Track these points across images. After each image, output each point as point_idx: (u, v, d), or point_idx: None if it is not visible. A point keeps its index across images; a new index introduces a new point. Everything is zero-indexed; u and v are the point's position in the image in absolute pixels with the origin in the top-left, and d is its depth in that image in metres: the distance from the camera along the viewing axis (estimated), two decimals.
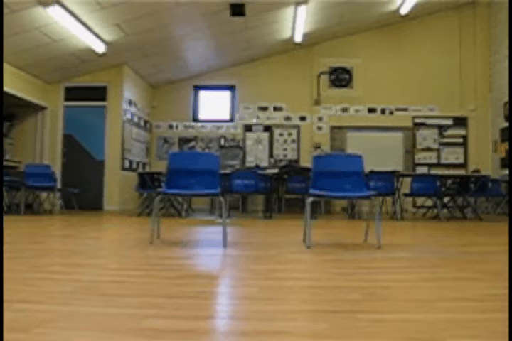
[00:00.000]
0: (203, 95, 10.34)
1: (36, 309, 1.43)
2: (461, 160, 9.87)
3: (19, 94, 7.80)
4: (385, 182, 6.82)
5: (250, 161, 10.00)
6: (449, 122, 9.88)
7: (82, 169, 8.67)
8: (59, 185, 8.21)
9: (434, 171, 9.53)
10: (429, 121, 9.89)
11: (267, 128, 10.06)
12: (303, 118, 10.01)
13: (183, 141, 10.21)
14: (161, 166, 9.72)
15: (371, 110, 9.92)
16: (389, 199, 7.34)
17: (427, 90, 9.80)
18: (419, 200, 9.22)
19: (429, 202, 8.05)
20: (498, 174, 8.97)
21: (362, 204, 7.80)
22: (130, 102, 9.11)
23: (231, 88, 10.18)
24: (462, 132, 9.89)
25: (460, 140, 9.90)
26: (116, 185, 8.65)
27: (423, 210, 8.20)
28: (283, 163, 9.74)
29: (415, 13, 9.52)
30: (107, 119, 8.75)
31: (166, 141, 10.28)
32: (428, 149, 9.91)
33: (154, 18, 6.94)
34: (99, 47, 7.43)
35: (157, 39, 7.82)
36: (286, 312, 1.46)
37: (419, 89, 9.82)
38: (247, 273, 2.20)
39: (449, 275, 2.16)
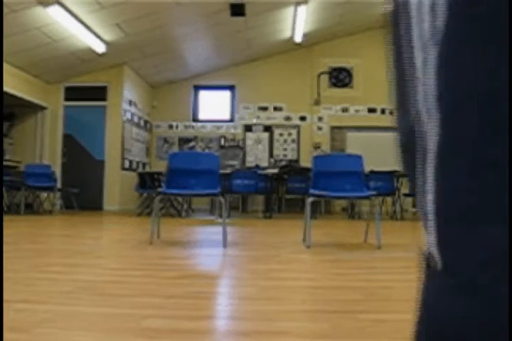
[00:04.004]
0: (203, 95, 10.34)
1: (36, 309, 1.43)
2: None
3: (19, 94, 7.80)
4: (385, 182, 6.83)
5: (250, 161, 10.00)
6: None
7: (82, 169, 8.66)
8: (59, 185, 8.21)
9: None
10: None
11: (267, 128, 10.06)
12: (303, 118, 10.00)
13: (183, 141, 10.21)
14: (161, 166, 9.72)
15: (371, 110, 9.92)
16: (389, 199, 7.34)
17: None
18: None
19: None
20: None
21: (362, 204, 7.80)
22: (130, 102, 9.11)
23: (231, 88, 10.18)
24: None
25: None
26: (116, 185, 8.65)
27: None
28: (283, 163, 9.74)
29: None
30: (107, 119, 8.74)
31: (166, 141, 10.28)
32: None
33: (154, 18, 6.94)
34: (99, 47, 7.43)
35: (157, 39, 7.82)
36: (286, 312, 1.46)
37: None
38: (247, 273, 2.20)
39: None
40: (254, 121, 10.08)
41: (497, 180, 0.42)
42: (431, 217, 0.47)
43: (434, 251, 0.46)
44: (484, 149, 0.42)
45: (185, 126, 10.22)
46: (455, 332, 0.43)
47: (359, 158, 3.57)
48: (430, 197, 0.47)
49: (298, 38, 8.88)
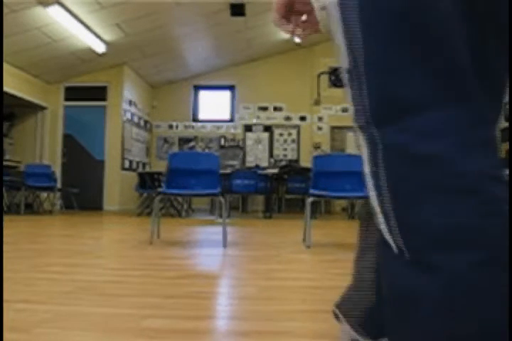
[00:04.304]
0: (203, 95, 10.34)
1: (36, 309, 1.43)
2: None
3: (19, 94, 7.80)
4: None
5: (250, 161, 10.00)
6: None
7: (82, 169, 8.66)
8: (59, 185, 8.21)
9: None
10: None
11: (267, 128, 10.06)
12: (303, 118, 10.00)
13: (183, 141, 10.21)
14: (161, 166, 9.72)
15: None
16: None
17: None
18: None
19: None
20: None
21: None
22: (130, 102, 9.11)
23: (231, 88, 10.17)
24: None
25: None
26: (116, 185, 8.65)
27: None
28: (283, 163, 9.74)
29: None
30: (107, 119, 8.74)
31: (166, 141, 10.28)
32: None
33: (154, 18, 6.94)
34: (99, 47, 7.43)
35: (157, 39, 7.82)
36: (286, 312, 1.46)
37: None
38: (247, 273, 2.20)
39: None
40: (254, 121, 10.08)
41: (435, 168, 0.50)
42: (378, 209, 0.55)
43: (388, 238, 0.52)
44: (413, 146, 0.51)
45: (185, 126, 10.22)
46: (411, 301, 0.51)
47: (359, 158, 3.56)
48: (373, 189, 0.55)
49: (298, 38, 8.87)
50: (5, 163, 7.73)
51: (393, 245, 0.52)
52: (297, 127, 10.01)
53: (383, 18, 0.52)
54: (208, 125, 10.18)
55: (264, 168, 9.16)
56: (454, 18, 0.51)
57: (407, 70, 0.52)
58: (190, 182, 3.55)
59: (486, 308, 0.47)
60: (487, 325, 0.47)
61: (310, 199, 3.33)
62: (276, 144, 10.04)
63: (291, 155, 10.01)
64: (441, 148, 0.50)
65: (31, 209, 7.79)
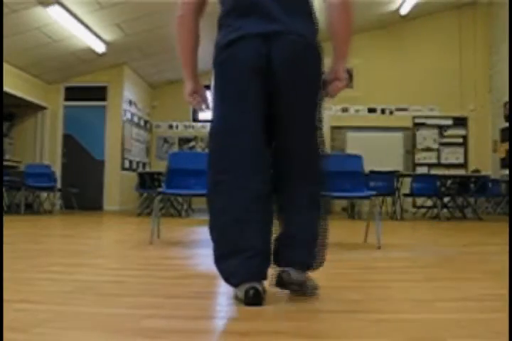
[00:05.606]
0: None
1: (36, 309, 1.43)
2: (461, 160, 9.87)
3: (19, 94, 7.80)
4: (385, 182, 6.83)
5: None
6: (449, 122, 9.88)
7: (82, 169, 8.66)
8: (59, 185, 8.21)
9: (434, 171, 9.52)
10: (429, 121, 9.88)
11: None
12: None
13: (183, 141, 10.21)
14: (161, 166, 9.71)
15: (371, 110, 9.92)
16: (389, 199, 7.34)
17: (427, 90, 9.79)
18: (419, 200, 9.20)
19: (429, 202, 8.06)
20: (498, 174, 8.97)
21: (362, 204, 7.79)
22: (130, 102, 9.11)
23: None
24: (462, 132, 9.88)
25: (460, 140, 9.90)
26: (116, 185, 8.65)
27: (423, 210, 8.20)
28: None
29: (415, 14, 9.51)
30: (107, 119, 8.74)
31: (166, 141, 10.28)
32: (428, 149, 9.91)
33: (154, 18, 6.94)
34: (99, 47, 7.44)
35: (157, 39, 7.81)
36: (286, 312, 1.46)
37: (419, 89, 9.81)
38: None
39: (449, 276, 2.16)
40: None
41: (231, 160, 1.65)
42: None
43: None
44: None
45: (185, 126, 10.22)
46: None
47: (359, 158, 3.57)
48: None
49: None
50: (5, 163, 7.72)
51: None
52: None
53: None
54: (208, 125, 10.16)
55: None
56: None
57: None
58: (190, 182, 3.56)
59: None
60: None
61: None
62: None
63: None
64: None
65: (31, 209, 7.79)
